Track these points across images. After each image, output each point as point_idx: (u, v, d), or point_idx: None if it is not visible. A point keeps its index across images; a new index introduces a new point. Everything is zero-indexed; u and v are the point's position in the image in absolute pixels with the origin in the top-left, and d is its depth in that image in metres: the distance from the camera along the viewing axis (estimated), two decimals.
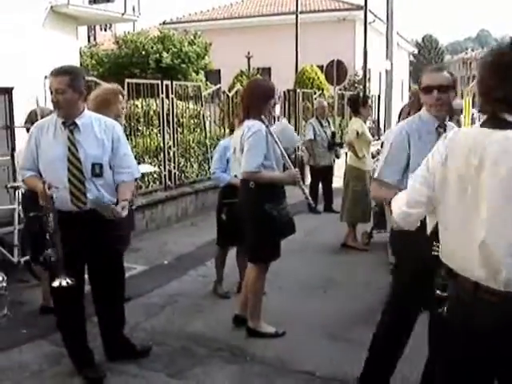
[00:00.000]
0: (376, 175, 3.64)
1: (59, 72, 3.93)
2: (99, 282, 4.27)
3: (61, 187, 3.91)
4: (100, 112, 5.25)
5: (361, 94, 12.65)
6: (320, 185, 10.68)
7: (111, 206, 3.95)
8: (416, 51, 51.45)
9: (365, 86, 19.26)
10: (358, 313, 5.50)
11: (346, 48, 24.34)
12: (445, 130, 3.59)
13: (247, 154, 4.56)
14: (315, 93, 16.28)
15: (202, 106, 10.97)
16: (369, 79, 21.28)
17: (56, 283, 3.82)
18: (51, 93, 3.93)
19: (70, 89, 3.89)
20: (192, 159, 10.49)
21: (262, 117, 4.63)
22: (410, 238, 3.04)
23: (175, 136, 9.83)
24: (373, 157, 8.58)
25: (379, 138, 19.37)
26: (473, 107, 44.82)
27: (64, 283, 3.82)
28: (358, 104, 8.24)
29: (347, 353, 4.63)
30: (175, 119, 9.84)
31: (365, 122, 8.39)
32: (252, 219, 4.75)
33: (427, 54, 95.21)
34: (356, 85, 22.93)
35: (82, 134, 3.99)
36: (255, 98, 4.74)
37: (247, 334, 4.92)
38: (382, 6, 23.42)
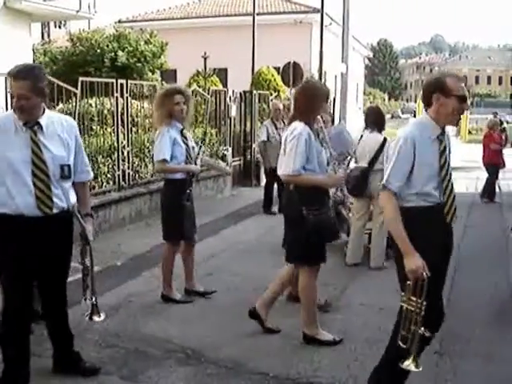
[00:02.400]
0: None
1: (20, 76, 3.66)
2: (53, 292, 4.10)
3: (25, 191, 3.72)
4: (157, 112, 5.63)
5: None
6: (275, 186, 10.70)
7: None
8: (371, 55, 52.09)
9: None
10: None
11: (303, 50, 24.44)
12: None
13: (288, 157, 4.61)
14: (271, 94, 16.34)
15: None
16: (324, 82, 21.45)
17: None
18: (12, 96, 3.70)
19: (34, 94, 3.67)
20: (146, 159, 10.39)
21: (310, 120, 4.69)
22: None
23: (129, 136, 9.73)
24: None
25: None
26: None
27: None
28: None
29: (301, 353, 4.66)
30: (130, 119, 9.74)
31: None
32: (290, 222, 4.84)
33: (382, 57, 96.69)
34: None
35: (46, 134, 3.79)
36: (306, 100, 4.73)
37: (304, 341, 4.82)
38: (338, 10, 23.65)
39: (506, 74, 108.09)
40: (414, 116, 44.28)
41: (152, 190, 10.16)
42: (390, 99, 75.37)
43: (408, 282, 3.43)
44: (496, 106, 58.07)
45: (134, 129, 10.05)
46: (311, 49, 25.25)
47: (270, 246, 8.21)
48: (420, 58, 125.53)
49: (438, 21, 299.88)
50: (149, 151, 10.47)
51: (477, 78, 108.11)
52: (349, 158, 7.21)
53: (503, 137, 14.18)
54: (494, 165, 13.03)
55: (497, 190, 12.83)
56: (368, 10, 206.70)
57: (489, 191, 12.85)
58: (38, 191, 3.73)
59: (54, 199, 3.80)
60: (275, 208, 10.57)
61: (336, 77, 24.63)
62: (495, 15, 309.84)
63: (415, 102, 56.48)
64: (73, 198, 3.98)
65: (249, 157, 14.19)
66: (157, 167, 5.83)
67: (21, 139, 3.73)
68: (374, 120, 7.27)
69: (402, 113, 61.99)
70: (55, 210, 3.81)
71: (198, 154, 5.90)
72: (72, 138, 3.94)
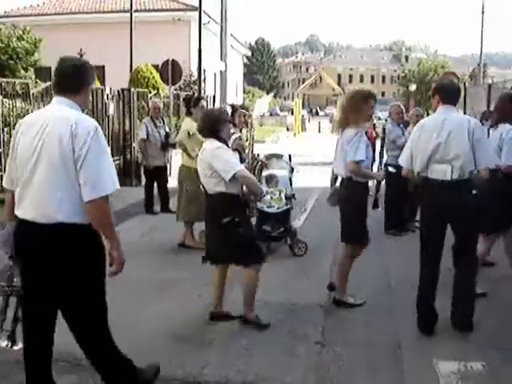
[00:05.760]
0: None
1: None
2: None
3: None
4: (353, 115, 5.60)
5: (196, 95, 12.72)
6: (156, 185, 10.58)
7: None
8: (249, 54, 52.70)
9: (200, 87, 19.41)
10: (200, 312, 5.51)
11: (182, 48, 24.37)
12: None
13: (509, 152, 5.71)
14: (150, 92, 16.16)
15: (30, 104, 10.48)
16: (204, 80, 21.47)
17: None
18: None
19: None
20: None
21: None
22: None
23: (2, 136, 9.29)
24: None
25: None
26: (303, 108, 46.89)
27: None
28: (191, 104, 8.25)
29: (189, 353, 4.64)
30: (1, 118, 9.31)
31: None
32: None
33: (260, 56, 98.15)
34: (191, 85, 23.04)
35: None
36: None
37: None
38: (216, 8, 23.75)
39: (377, 73, 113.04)
40: (292, 114, 45.29)
41: None
42: None
43: None
44: None
45: (6, 129, 9.61)
46: (190, 47, 25.21)
47: (152, 245, 8.13)
48: (296, 57, 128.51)
49: (313, 21, 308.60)
50: None
51: (350, 77, 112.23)
52: None
53: (374, 133, 14.69)
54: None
55: (370, 183, 13.39)
56: (245, 9, 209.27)
57: None
58: None
59: None
60: (157, 207, 10.47)
61: (215, 75, 24.74)
62: (367, 17, 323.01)
63: (292, 100, 57.74)
64: None
65: (129, 156, 13.95)
66: (352, 168, 5.54)
67: None
68: None
69: (281, 110, 63.22)
70: None
71: None
72: None
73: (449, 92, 5.13)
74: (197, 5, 19.88)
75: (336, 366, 4.46)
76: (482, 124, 6.96)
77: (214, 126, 5.08)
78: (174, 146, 10.64)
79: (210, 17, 25.19)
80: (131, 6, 20.54)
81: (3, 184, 3.63)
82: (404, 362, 4.56)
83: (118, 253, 3.45)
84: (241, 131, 7.64)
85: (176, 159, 11.17)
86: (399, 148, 9.04)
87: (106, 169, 3.32)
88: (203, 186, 5.12)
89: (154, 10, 27.58)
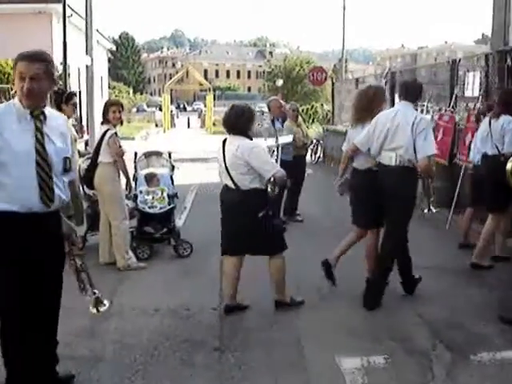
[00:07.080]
0: None
1: (37, 58, 3.48)
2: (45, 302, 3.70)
3: (27, 184, 3.43)
4: (366, 112, 5.90)
5: (67, 90, 12.05)
6: None
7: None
8: (114, 48, 51.35)
9: (65, 82, 18.59)
10: (85, 325, 5.09)
11: (44, 42, 23.07)
12: None
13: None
14: (11, 89, 15.24)
15: None
16: (68, 75, 20.60)
17: None
18: (22, 79, 3.43)
19: (47, 77, 3.50)
20: None
21: None
22: None
23: None
24: (81, 155, 8.12)
25: (83, 136, 18.87)
26: (171, 103, 46.46)
27: None
28: (61, 100, 7.66)
29: (78, 370, 4.22)
30: None
31: (69, 119, 7.86)
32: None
33: (124, 51, 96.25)
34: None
35: (49, 125, 3.56)
36: None
37: None
38: (79, 1, 22.85)
39: (243, 69, 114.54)
40: (160, 109, 44.68)
41: None
42: (135, 93, 75.21)
43: None
44: (237, 98, 60.87)
45: None
46: (52, 40, 24.08)
47: None
48: (162, 52, 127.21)
49: (177, 16, 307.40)
50: None
51: (217, 72, 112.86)
52: None
53: None
54: None
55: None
56: (108, 2, 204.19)
57: None
58: (42, 183, 3.48)
59: (57, 193, 3.56)
60: None
61: (79, 69, 23.83)
62: (231, 12, 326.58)
63: (159, 95, 57.08)
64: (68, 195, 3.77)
65: None
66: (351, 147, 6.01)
67: (26, 128, 3.48)
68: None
69: (148, 106, 62.36)
70: (55, 206, 3.58)
71: None
72: (68, 134, 3.78)
73: (408, 89, 5.74)
74: None
75: (238, 372, 4.26)
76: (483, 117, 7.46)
77: (245, 124, 5.29)
78: None
79: (73, 10, 24.17)
80: None
81: None
82: (307, 360, 4.46)
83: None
84: (115, 127, 7.14)
85: None
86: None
87: None
88: (233, 182, 5.31)
89: (13, 2, 26.06)
